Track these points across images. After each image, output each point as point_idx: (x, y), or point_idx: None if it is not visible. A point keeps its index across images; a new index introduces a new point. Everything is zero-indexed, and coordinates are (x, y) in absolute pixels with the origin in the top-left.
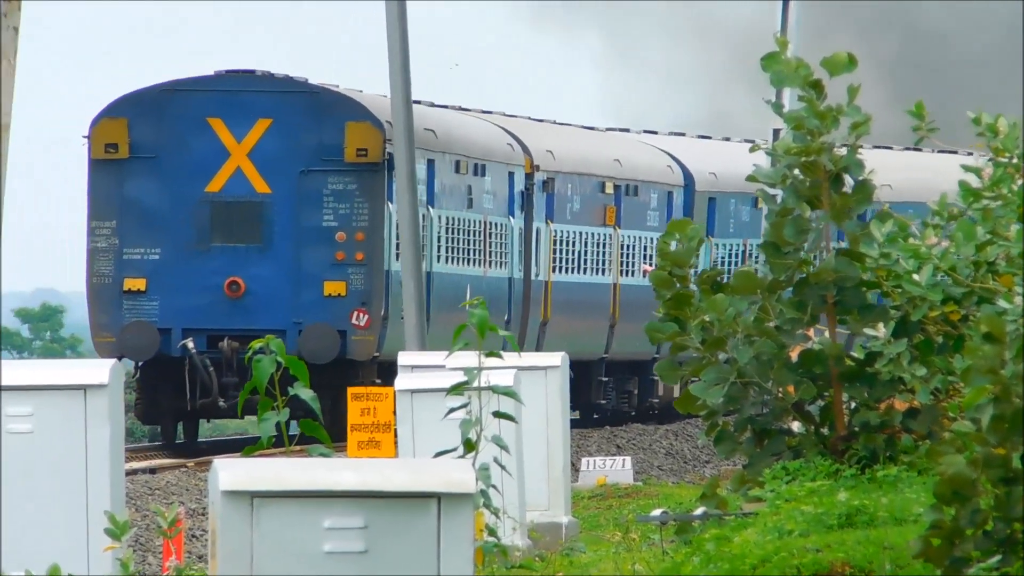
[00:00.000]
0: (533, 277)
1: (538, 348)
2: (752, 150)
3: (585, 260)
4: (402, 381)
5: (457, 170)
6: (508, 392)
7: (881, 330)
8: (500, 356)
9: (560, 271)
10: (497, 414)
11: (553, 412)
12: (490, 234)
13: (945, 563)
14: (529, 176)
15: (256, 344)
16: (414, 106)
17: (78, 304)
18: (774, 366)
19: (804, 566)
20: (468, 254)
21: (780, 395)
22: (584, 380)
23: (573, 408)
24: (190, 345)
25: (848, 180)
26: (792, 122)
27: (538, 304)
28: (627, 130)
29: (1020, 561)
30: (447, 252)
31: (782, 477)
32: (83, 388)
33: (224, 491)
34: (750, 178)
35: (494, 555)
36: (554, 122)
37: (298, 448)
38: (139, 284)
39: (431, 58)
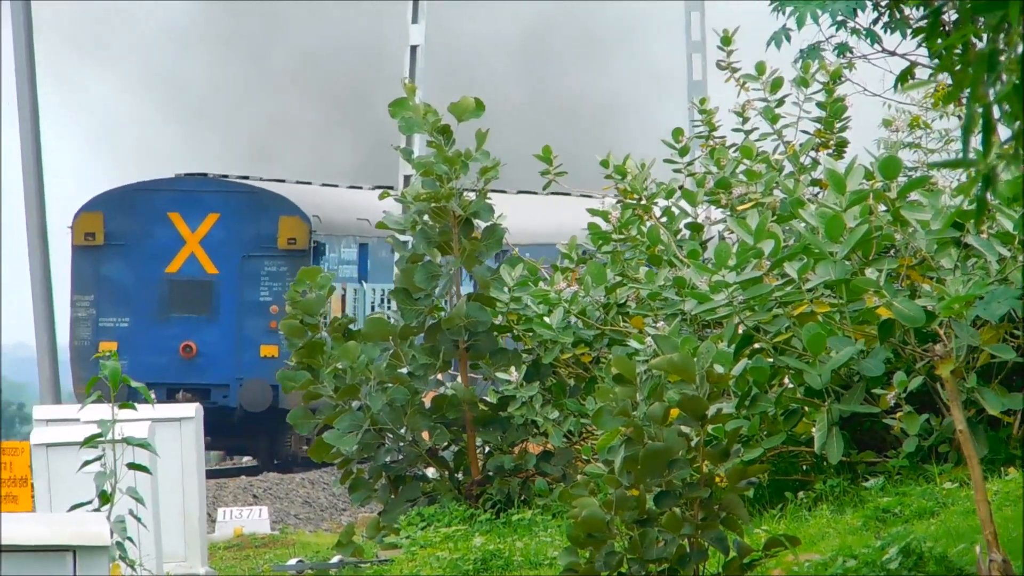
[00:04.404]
0: None
1: None
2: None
3: None
4: (37, 435)
5: (392, 251)
6: (142, 444)
7: (514, 374)
8: (134, 408)
9: None
10: (132, 466)
11: (188, 463)
12: None
13: None
14: None
15: None
16: (357, 193)
17: None
18: (407, 412)
19: None
20: None
21: (414, 441)
22: None
23: None
24: (152, 397)
25: (478, 224)
26: (421, 168)
27: None
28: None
29: None
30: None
31: (417, 523)
32: None
33: None
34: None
35: None
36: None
37: None
38: (111, 346)
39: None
